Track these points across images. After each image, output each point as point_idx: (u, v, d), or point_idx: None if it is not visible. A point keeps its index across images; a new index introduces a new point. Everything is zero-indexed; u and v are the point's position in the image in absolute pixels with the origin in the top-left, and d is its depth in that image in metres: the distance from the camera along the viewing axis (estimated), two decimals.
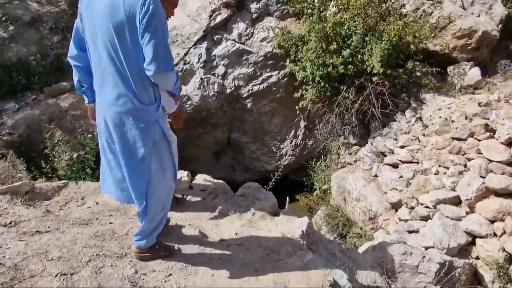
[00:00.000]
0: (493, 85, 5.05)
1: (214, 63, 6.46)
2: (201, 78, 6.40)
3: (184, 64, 6.42)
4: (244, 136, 7.06)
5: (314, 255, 2.71)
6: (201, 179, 3.91)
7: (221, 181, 3.84)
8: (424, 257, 3.54)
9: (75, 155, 5.57)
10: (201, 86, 6.40)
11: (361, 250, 3.93)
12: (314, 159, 7.04)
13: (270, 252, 2.65)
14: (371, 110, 5.42)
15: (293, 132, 7.06)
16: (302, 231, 2.88)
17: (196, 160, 7.35)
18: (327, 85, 5.73)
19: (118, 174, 2.10)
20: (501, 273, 3.67)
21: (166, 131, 2.09)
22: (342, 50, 5.25)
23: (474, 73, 4.98)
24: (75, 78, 2.09)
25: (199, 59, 6.40)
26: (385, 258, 3.68)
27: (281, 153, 7.18)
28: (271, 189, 7.43)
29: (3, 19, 7.01)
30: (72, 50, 2.00)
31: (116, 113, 1.91)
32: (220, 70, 6.47)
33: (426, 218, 4.41)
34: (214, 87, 6.43)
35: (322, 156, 6.97)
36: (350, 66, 5.22)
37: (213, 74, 6.47)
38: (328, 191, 6.97)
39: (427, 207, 4.44)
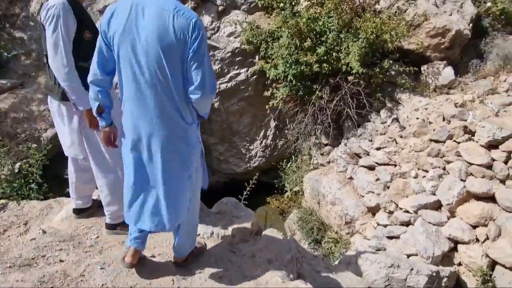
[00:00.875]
0: (465, 84, 5.01)
1: None
2: None
3: None
4: (211, 137, 6.61)
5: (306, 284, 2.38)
6: None
7: None
8: (412, 269, 3.36)
9: (17, 165, 4.85)
10: None
11: (344, 262, 3.69)
12: (285, 160, 6.77)
13: (257, 285, 2.29)
14: (346, 111, 5.21)
15: (263, 132, 6.72)
16: (292, 256, 2.55)
17: None
18: (299, 84, 5.44)
19: (150, 199, 2.04)
20: (485, 280, 3.59)
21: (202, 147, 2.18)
22: (317, 48, 4.96)
23: (447, 73, 4.91)
24: (95, 103, 2.01)
25: None
26: (370, 272, 3.47)
27: (251, 154, 6.83)
28: (239, 193, 7.07)
29: None
30: (96, 73, 1.94)
31: (163, 133, 1.91)
32: None
33: (406, 224, 4.27)
34: None
35: (293, 157, 6.72)
36: (325, 64, 4.95)
37: None
38: (300, 193, 6.74)
39: (407, 211, 4.30)
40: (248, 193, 5.21)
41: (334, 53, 4.93)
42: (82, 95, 2.31)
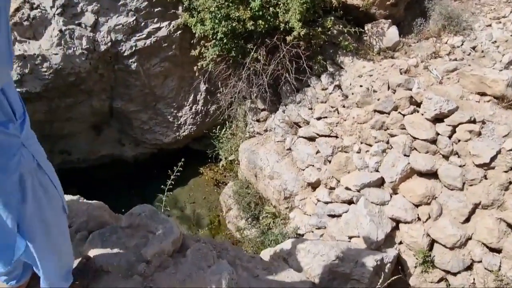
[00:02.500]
0: (409, 46, 4.66)
1: (78, 9, 4.72)
2: (61, 30, 4.64)
3: (31, 9, 4.53)
4: (131, 104, 5.65)
5: None
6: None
7: (95, 201, 2.66)
8: (357, 261, 3.09)
9: None
10: (62, 42, 4.67)
11: (284, 253, 3.33)
12: (219, 127, 6.12)
13: None
14: (284, 76, 4.62)
15: (192, 97, 5.91)
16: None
17: (69, 137, 5.74)
18: (231, 43, 4.66)
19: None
20: (425, 260, 3.49)
21: None
22: (251, 1, 4.16)
23: (392, 33, 4.48)
24: None
25: (54, 1, 4.57)
26: (314, 265, 3.14)
27: (179, 122, 6.04)
28: (170, 162, 6.36)
29: None
30: None
31: None
32: (88, 18, 4.77)
33: (348, 202, 4.01)
34: (82, 42, 4.76)
35: (228, 123, 6.09)
36: (260, 21, 4.21)
37: (79, 25, 4.75)
38: (235, 162, 6.23)
39: (349, 189, 4.02)
40: (177, 173, 4.56)
41: (271, 8, 4.19)
42: None
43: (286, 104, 5.09)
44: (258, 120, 5.74)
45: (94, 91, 5.31)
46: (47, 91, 4.87)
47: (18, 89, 4.76)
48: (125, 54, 5.09)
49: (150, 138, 6.07)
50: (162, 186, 4.55)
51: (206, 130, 6.22)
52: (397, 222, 3.71)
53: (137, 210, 2.45)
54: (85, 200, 2.67)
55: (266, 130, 5.48)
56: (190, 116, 6.04)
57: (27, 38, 4.60)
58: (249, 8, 4.19)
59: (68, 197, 2.65)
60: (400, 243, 3.72)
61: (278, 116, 5.17)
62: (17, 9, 4.48)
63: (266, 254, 3.58)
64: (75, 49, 4.75)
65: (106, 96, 5.49)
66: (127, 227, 2.41)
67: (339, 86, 4.44)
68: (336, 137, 4.34)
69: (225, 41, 4.64)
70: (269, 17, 4.22)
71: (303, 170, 4.67)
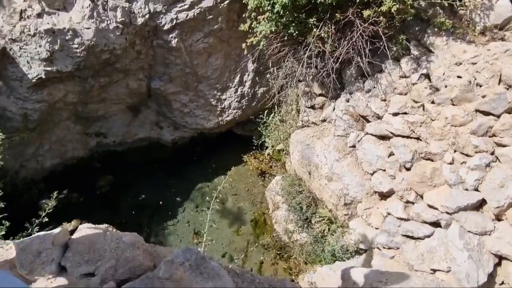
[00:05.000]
0: None
1: None
2: (93, 0, 3.99)
3: None
4: (171, 85, 5.03)
5: None
6: (86, 231, 2.11)
7: (127, 235, 2.08)
8: None
9: None
10: (95, 14, 4.03)
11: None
12: (266, 112, 5.40)
13: None
14: (355, 60, 3.75)
15: (238, 78, 5.18)
16: None
17: (104, 118, 5.26)
18: (291, 18, 3.81)
19: None
20: None
21: None
22: None
23: (503, 6, 3.42)
24: None
25: None
26: None
27: (223, 106, 5.36)
28: (211, 148, 5.76)
29: None
30: None
31: None
32: None
33: (433, 224, 3.23)
34: (116, 14, 4.10)
35: (277, 108, 5.35)
36: None
37: None
38: (284, 152, 5.55)
39: (434, 207, 3.22)
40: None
41: None
42: None
43: (351, 91, 4.23)
44: (312, 107, 4.94)
45: (131, 70, 4.72)
46: (80, 70, 4.32)
47: (48, 68, 4.28)
48: (165, 28, 4.39)
49: (190, 122, 5.48)
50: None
51: (252, 115, 5.53)
52: (499, 257, 2.91)
53: (179, 258, 1.84)
54: (114, 230, 2.09)
55: (323, 121, 4.69)
56: (235, 99, 5.34)
57: (56, 9, 4.01)
58: None
59: (90, 229, 2.09)
60: (502, 283, 2.94)
61: (340, 106, 4.35)
62: None
63: (324, 273, 2.96)
64: (109, 22, 4.11)
65: (144, 75, 4.88)
66: (167, 279, 1.81)
67: (426, 76, 3.52)
68: (419, 139, 3.49)
69: (282, 14, 3.80)
70: None
71: (371, 174, 3.90)
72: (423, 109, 3.47)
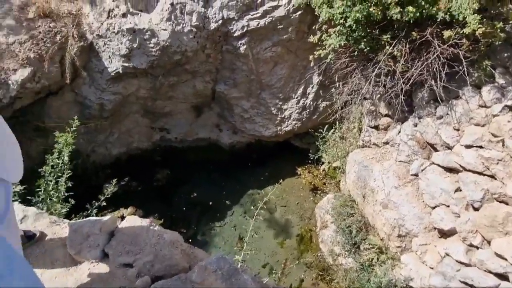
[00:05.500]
0: None
1: None
2: (172, 4, 4.23)
3: None
4: (235, 90, 5.13)
5: None
6: (133, 221, 2.20)
7: (168, 232, 2.13)
8: None
9: None
10: (172, 17, 4.27)
11: None
12: (326, 127, 5.26)
13: None
14: (428, 82, 3.48)
15: (301, 89, 5.12)
16: None
17: (170, 115, 5.53)
18: (363, 33, 3.66)
19: None
20: None
21: None
22: None
23: None
24: None
25: None
26: None
27: (283, 115, 5.33)
28: (266, 156, 5.75)
29: None
30: None
31: None
32: None
33: (500, 276, 2.85)
34: (192, 18, 4.30)
35: (338, 124, 5.18)
36: (410, 8, 3.12)
37: None
38: (340, 170, 5.34)
39: (503, 257, 2.84)
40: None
41: None
42: None
43: (421, 116, 3.93)
44: (376, 127, 4.69)
45: (199, 72, 4.90)
46: (152, 68, 4.60)
47: (125, 64, 4.62)
48: (235, 34, 4.50)
49: (249, 128, 5.53)
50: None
51: (312, 128, 5.42)
52: None
53: (213, 265, 1.83)
54: (157, 227, 2.15)
55: (386, 143, 4.42)
56: (296, 111, 5.28)
57: (139, 10, 4.31)
58: None
59: (136, 221, 2.17)
60: None
61: (406, 130, 4.07)
62: None
63: None
64: (184, 25, 4.32)
65: (210, 78, 5.05)
66: (198, 283, 1.82)
67: (511, 108, 3.13)
68: (493, 178, 3.12)
69: (354, 29, 3.66)
70: (424, 3, 3.09)
71: (432, 208, 3.58)
72: (503, 145, 3.09)
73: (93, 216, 3.69)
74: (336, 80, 4.66)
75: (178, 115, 5.57)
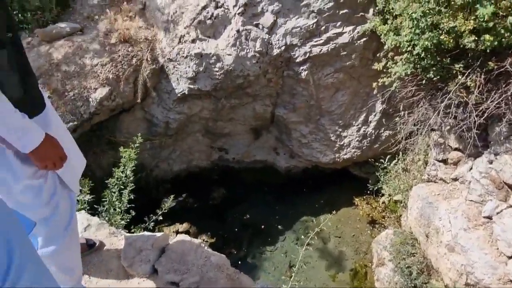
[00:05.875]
0: None
1: (259, 9, 4.38)
2: (238, 31, 4.41)
3: (216, 7, 4.43)
4: (294, 114, 5.12)
5: None
6: (184, 240, 2.24)
7: (217, 255, 2.14)
8: None
9: None
10: (237, 43, 4.44)
11: None
12: (388, 157, 4.99)
13: None
14: (507, 117, 3.15)
15: (363, 117, 4.95)
16: None
17: (229, 136, 5.68)
18: (432, 62, 3.46)
19: None
20: None
21: None
22: (478, 6, 2.88)
23: None
24: None
25: (237, 0, 4.36)
26: None
27: (342, 143, 5.18)
28: (323, 183, 5.60)
29: None
30: None
31: None
32: (267, 19, 4.39)
33: None
34: (256, 44, 4.43)
35: (401, 155, 4.88)
36: (487, 36, 2.89)
37: (256, 25, 4.42)
38: (401, 204, 5.00)
39: None
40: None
41: (510, 18, 2.80)
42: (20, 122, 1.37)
43: (498, 153, 3.56)
44: (444, 161, 4.34)
45: (259, 95, 5.00)
46: (216, 91, 4.79)
47: (191, 86, 4.88)
48: (297, 60, 4.53)
49: (306, 153, 5.46)
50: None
51: (372, 157, 5.19)
52: None
53: None
54: (205, 248, 2.17)
55: (455, 179, 4.06)
56: (356, 138, 5.10)
57: (207, 36, 4.56)
58: (472, 17, 2.93)
59: (186, 240, 2.22)
60: None
61: (480, 166, 3.70)
62: (204, 7, 4.46)
63: None
64: (248, 51, 4.47)
65: (270, 102, 5.11)
66: None
67: None
68: None
69: (423, 57, 3.48)
70: (504, 31, 2.84)
71: (508, 258, 3.17)
72: None
73: (150, 228, 3.87)
74: (401, 109, 4.44)
75: (237, 136, 5.70)
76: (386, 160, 4.97)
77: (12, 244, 0.85)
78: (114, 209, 3.45)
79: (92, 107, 4.44)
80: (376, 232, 5.12)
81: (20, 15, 5.05)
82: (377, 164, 5.00)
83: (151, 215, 3.82)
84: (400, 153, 4.86)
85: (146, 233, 2.35)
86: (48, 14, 4.94)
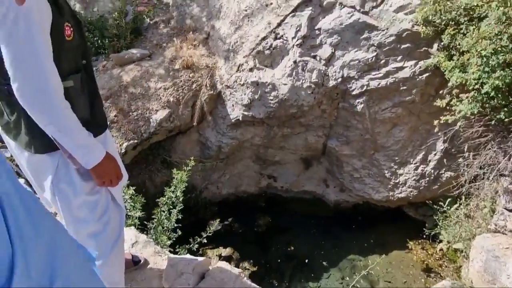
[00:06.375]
0: None
1: (318, 41, 4.42)
2: (295, 61, 4.47)
3: (275, 38, 4.55)
4: (347, 147, 4.99)
5: None
6: (224, 267, 2.23)
7: (254, 287, 2.09)
8: None
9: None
10: (294, 73, 4.49)
11: None
12: (449, 200, 4.61)
13: None
14: None
15: (422, 155, 4.67)
16: None
17: (279, 164, 5.67)
18: (503, 101, 3.21)
19: None
20: None
21: None
22: None
23: None
24: None
25: (296, 32, 4.44)
26: None
27: (398, 181, 4.91)
28: (374, 221, 5.31)
29: None
30: None
31: None
32: (325, 51, 4.40)
33: None
34: (312, 75, 4.44)
35: (464, 199, 4.50)
36: None
37: (314, 57, 4.45)
38: (462, 254, 4.56)
39: None
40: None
41: None
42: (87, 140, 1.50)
43: None
44: None
45: (312, 126, 4.96)
46: (269, 119, 4.85)
47: (245, 112, 5.00)
48: (354, 92, 4.45)
49: (358, 188, 5.24)
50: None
51: (430, 198, 4.83)
52: None
53: None
54: (245, 278, 2.13)
55: None
56: (413, 177, 4.80)
57: (264, 66, 4.68)
58: None
59: (227, 268, 2.20)
60: None
61: None
62: (263, 38, 4.60)
63: None
64: (303, 81, 4.49)
65: (323, 133, 5.04)
66: None
67: None
68: None
69: (492, 96, 3.24)
70: None
71: None
72: None
73: (194, 250, 3.91)
74: (465, 150, 4.13)
75: (287, 165, 5.67)
76: (446, 203, 4.60)
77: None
78: (162, 227, 3.56)
79: (152, 127, 4.71)
80: (431, 281, 4.68)
81: (99, 41, 5.61)
82: (436, 207, 4.64)
83: (196, 236, 3.87)
84: (463, 197, 4.48)
85: (188, 256, 2.38)
86: (123, 41, 5.43)
